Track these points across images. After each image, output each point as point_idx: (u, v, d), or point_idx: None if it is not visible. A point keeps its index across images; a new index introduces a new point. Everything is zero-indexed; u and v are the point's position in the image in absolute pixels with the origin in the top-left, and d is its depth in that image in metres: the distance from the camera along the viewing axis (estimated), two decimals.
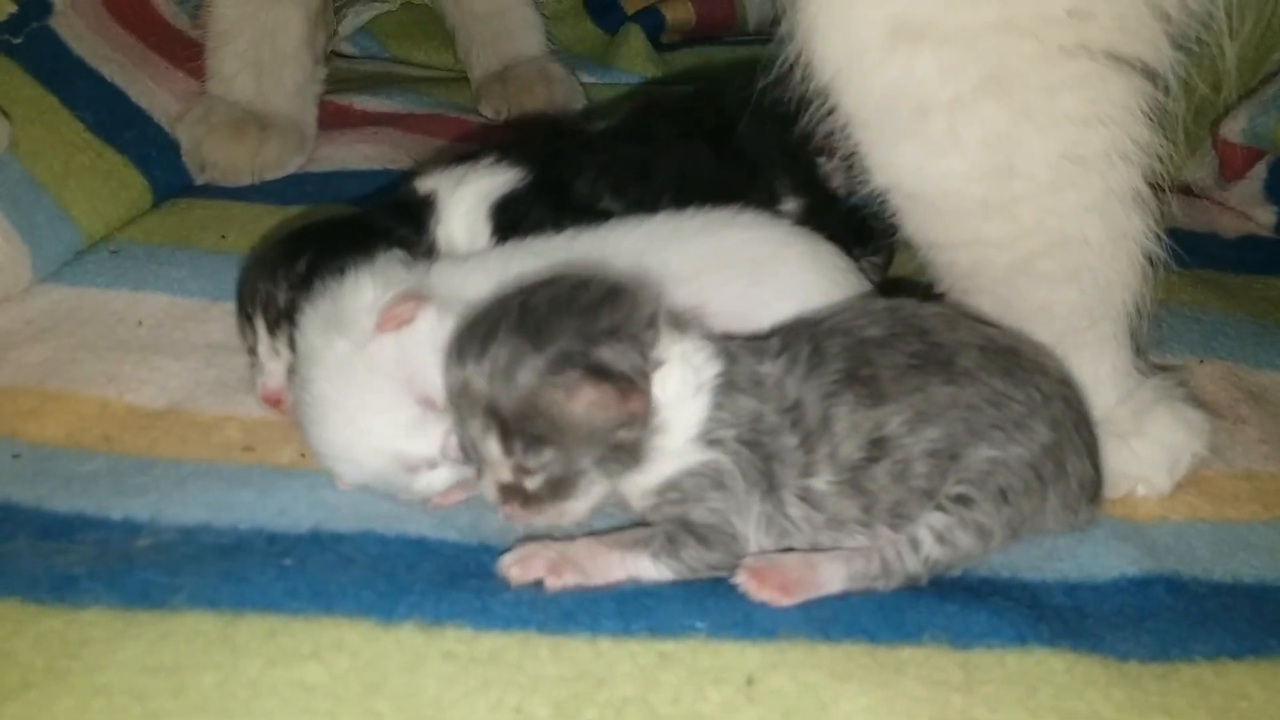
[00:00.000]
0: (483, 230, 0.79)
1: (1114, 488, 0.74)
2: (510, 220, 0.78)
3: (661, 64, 1.42)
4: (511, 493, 0.62)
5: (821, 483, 0.63)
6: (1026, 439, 0.63)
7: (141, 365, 0.80)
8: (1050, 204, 0.67)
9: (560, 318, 0.61)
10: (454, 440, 0.64)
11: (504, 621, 0.59)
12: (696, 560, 0.63)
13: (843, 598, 0.62)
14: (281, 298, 0.74)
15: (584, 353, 0.60)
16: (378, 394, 0.65)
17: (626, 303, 0.62)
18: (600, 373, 0.60)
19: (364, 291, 0.68)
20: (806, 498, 0.63)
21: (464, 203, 0.79)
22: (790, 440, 0.63)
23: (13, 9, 0.81)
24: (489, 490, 0.63)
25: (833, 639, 0.59)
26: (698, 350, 0.64)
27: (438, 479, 0.66)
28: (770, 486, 0.63)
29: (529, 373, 0.59)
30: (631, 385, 0.60)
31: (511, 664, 0.56)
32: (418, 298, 0.67)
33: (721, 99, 0.90)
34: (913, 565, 0.63)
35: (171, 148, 1.00)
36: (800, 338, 0.65)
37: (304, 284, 0.72)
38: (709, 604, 0.61)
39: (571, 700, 0.55)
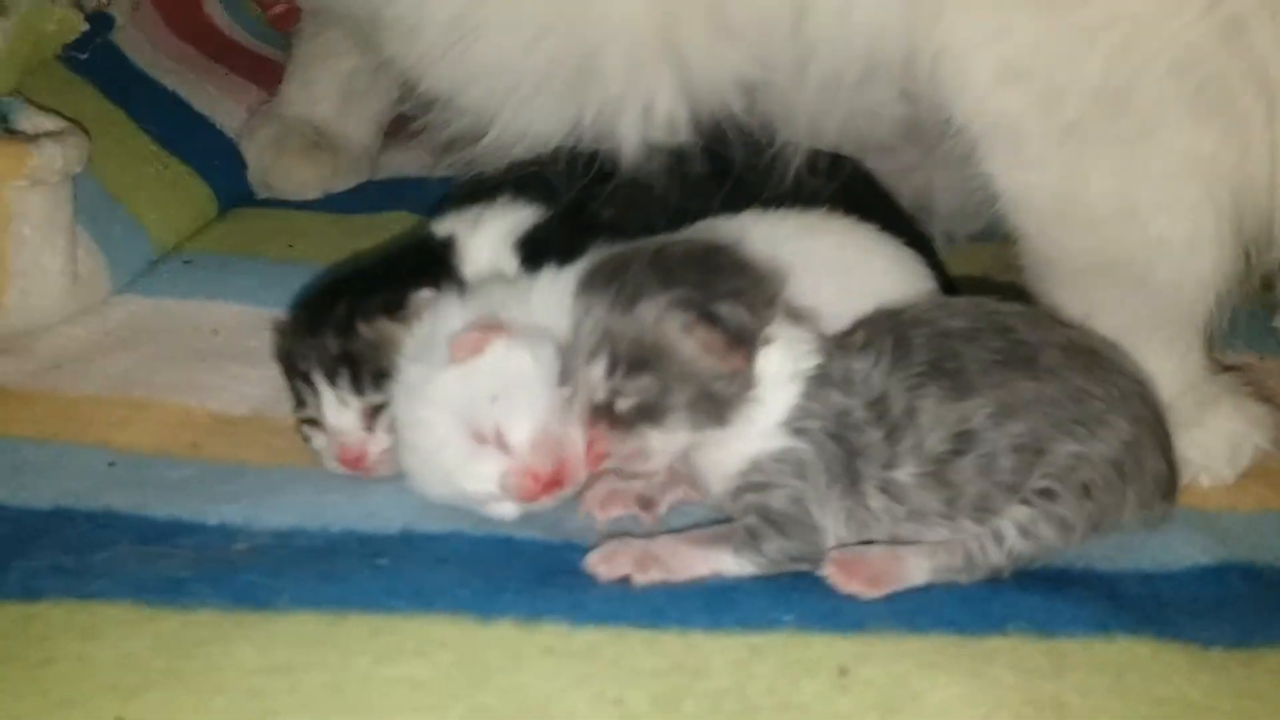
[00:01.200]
0: (510, 264, 0.79)
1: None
2: (537, 253, 0.78)
3: None
4: (601, 413, 0.64)
5: (904, 475, 0.64)
6: (1109, 435, 0.64)
7: (220, 373, 0.82)
8: (1118, 233, 0.73)
9: (690, 269, 0.64)
10: (512, 483, 0.65)
11: (598, 617, 0.60)
12: (778, 552, 0.64)
13: (926, 590, 0.64)
14: (332, 345, 0.72)
15: (705, 301, 0.63)
16: (434, 427, 0.66)
17: (753, 276, 0.65)
18: (715, 321, 0.63)
19: (452, 318, 0.69)
20: (888, 490, 0.64)
21: (488, 241, 0.79)
22: (875, 434, 0.64)
23: (84, 27, 0.82)
24: (581, 413, 0.65)
25: (920, 630, 0.60)
26: (803, 340, 0.66)
27: (507, 511, 0.67)
28: (852, 481, 0.64)
29: (650, 305, 0.63)
30: (739, 341, 0.63)
31: (608, 658, 0.58)
32: (492, 328, 0.67)
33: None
34: (996, 558, 0.64)
35: (233, 156, 1.02)
36: (882, 329, 0.66)
37: (349, 328, 0.72)
38: (794, 598, 0.62)
39: (669, 693, 0.56)
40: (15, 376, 0.79)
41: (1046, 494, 0.64)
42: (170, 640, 0.57)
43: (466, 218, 0.80)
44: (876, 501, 0.65)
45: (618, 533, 0.68)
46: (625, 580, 0.64)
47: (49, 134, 0.74)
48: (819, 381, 0.65)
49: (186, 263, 0.93)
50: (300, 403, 0.74)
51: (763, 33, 0.78)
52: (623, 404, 0.63)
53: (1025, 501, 0.64)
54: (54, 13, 0.75)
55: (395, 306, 0.72)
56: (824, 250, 0.72)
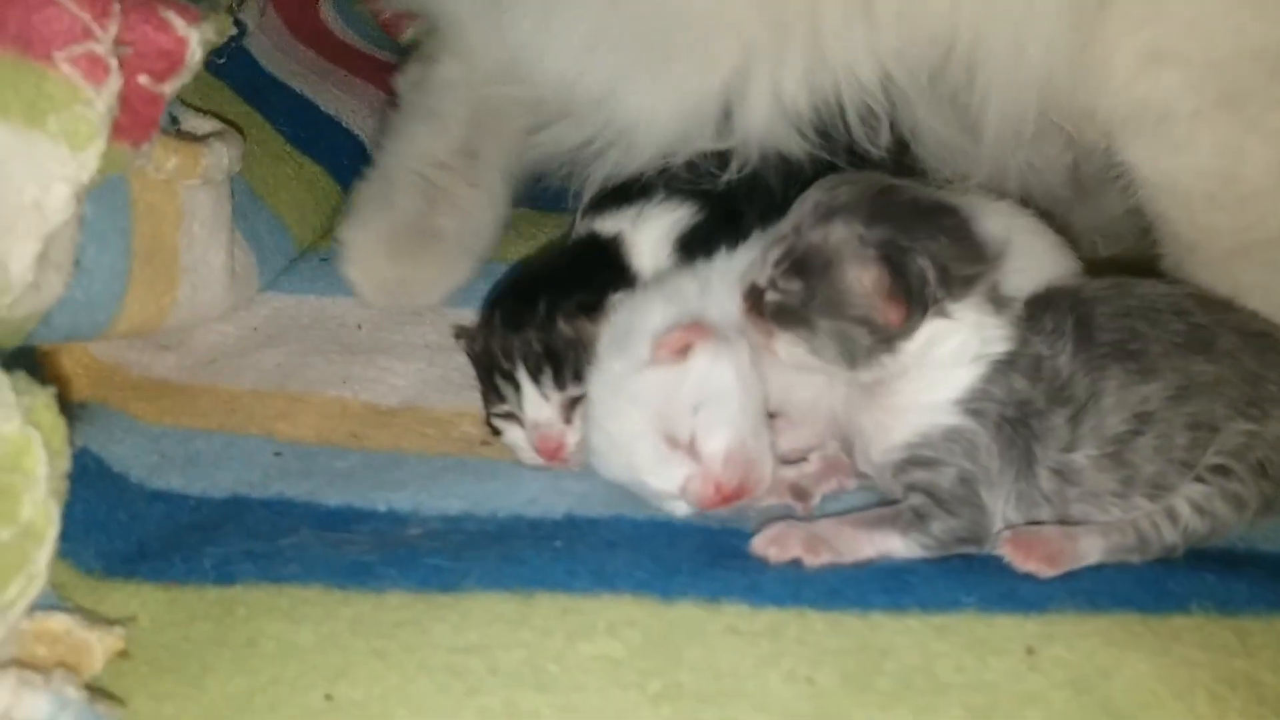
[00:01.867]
0: (668, 262, 0.81)
1: None
2: (695, 251, 0.79)
3: None
4: (753, 296, 0.67)
5: (1082, 456, 0.64)
6: (1261, 393, 0.64)
7: (370, 366, 0.84)
8: (1274, 205, 0.73)
9: (905, 215, 0.64)
10: (693, 487, 0.66)
11: (776, 598, 0.61)
12: (945, 533, 0.64)
13: (1099, 570, 0.64)
14: (536, 342, 0.74)
15: (897, 246, 0.63)
16: (631, 422, 0.67)
17: (964, 248, 0.65)
18: (894, 268, 0.63)
19: (653, 314, 0.70)
20: (1062, 472, 0.64)
21: (650, 238, 0.81)
22: (1058, 419, 0.64)
23: (234, 31, 0.85)
24: (741, 287, 0.68)
25: (1102, 610, 0.60)
26: (993, 326, 0.65)
27: (680, 509, 0.68)
28: (1027, 463, 0.64)
29: (844, 226, 0.64)
30: (907, 298, 0.63)
31: (793, 638, 0.59)
32: (695, 330, 0.68)
33: None
34: (1170, 536, 0.64)
35: (361, 154, 1.03)
36: (1064, 310, 0.66)
37: (551, 325, 0.74)
38: (972, 579, 0.62)
39: (859, 671, 0.57)
40: (177, 371, 0.81)
41: (1221, 471, 0.64)
42: (367, 622, 0.59)
43: (627, 215, 0.81)
44: (1049, 484, 0.65)
45: (775, 518, 0.68)
46: (794, 563, 0.64)
47: (213, 134, 0.77)
48: (1005, 366, 0.65)
49: (324, 260, 0.95)
50: (498, 398, 0.76)
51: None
52: (771, 296, 0.65)
53: (1200, 479, 0.64)
54: (216, 17, 0.77)
55: (591, 307, 0.75)
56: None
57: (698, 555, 0.65)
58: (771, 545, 0.65)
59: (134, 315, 0.72)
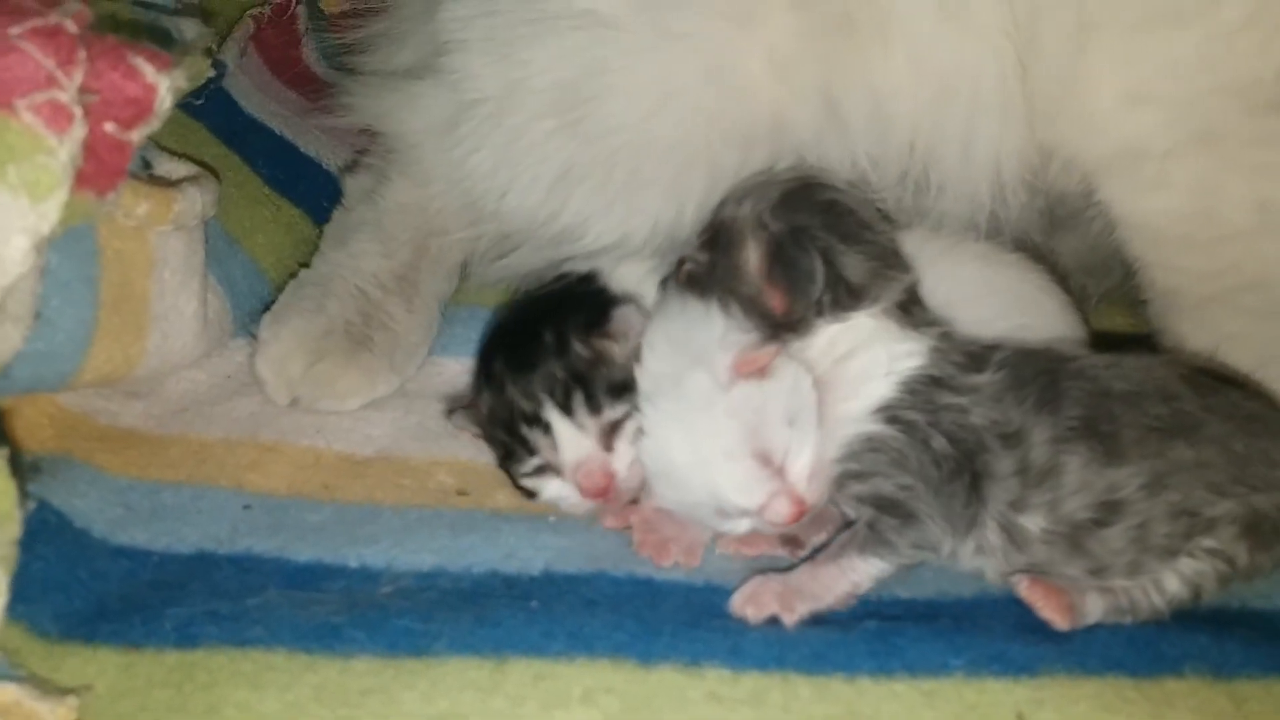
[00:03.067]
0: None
1: None
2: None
3: None
4: (677, 264, 0.71)
5: (1032, 524, 0.62)
6: (1272, 491, 0.62)
7: (344, 415, 0.82)
8: (1251, 248, 0.72)
9: (814, 211, 0.68)
10: (777, 505, 0.64)
11: (759, 662, 0.59)
12: (900, 538, 0.63)
13: (1089, 631, 0.62)
14: (558, 370, 0.70)
15: (792, 236, 0.66)
16: (726, 438, 0.64)
17: (870, 257, 0.66)
18: (783, 255, 0.66)
19: (713, 321, 0.67)
20: (1009, 530, 0.63)
21: (632, 274, 0.79)
22: (1005, 464, 0.63)
23: (211, 73, 0.83)
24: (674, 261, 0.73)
25: (1093, 673, 0.59)
26: (904, 341, 0.66)
27: (740, 526, 0.66)
28: (979, 500, 0.63)
29: (750, 208, 0.68)
30: (787, 287, 0.65)
31: (777, 704, 0.57)
32: (774, 346, 0.66)
33: None
34: (1159, 602, 0.63)
35: (340, 196, 1.02)
36: (1033, 365, 0.65)
37: (566, 350, 0.71)
38: (960, 641, 0.60)
39: None
40: (145, 420, 0.79)
41: (1212, 551, 0.62)
42: (333, 689, 0.57)
43: (605, 262, 0.80)
44: (995, 538, 0.63)
45: (758, 569, 0.66)
46: (778, 621, 0.63)
47: (187, 179, 0.75)
48: (925, 382, 0.64)
49: None
50: (526, 451, 0.72)
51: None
52: (687, 265, 0.70)
53: (1191, 555, 0.62)
54: (192, 59, 0.75)
55: (597, 324, 0.72)
56: (1001, 282, 0.72)
57: (680, 614, 0.63)
58: (748, 605, 0.63)
59: (101, 365, 0.71)
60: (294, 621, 0.61)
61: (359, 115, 0.98)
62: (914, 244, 0.71)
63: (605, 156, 0.79)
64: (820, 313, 0.66)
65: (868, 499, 0.64)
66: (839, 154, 0.77)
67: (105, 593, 0.64)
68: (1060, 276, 0.86)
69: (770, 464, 0.64)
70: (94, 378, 0.71)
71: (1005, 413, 0.63)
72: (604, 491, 0.70)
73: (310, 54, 1.20)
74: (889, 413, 0.64)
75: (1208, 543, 0.62)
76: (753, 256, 0.66)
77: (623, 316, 0.72)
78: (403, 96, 0.92)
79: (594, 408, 0.70)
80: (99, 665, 0.58)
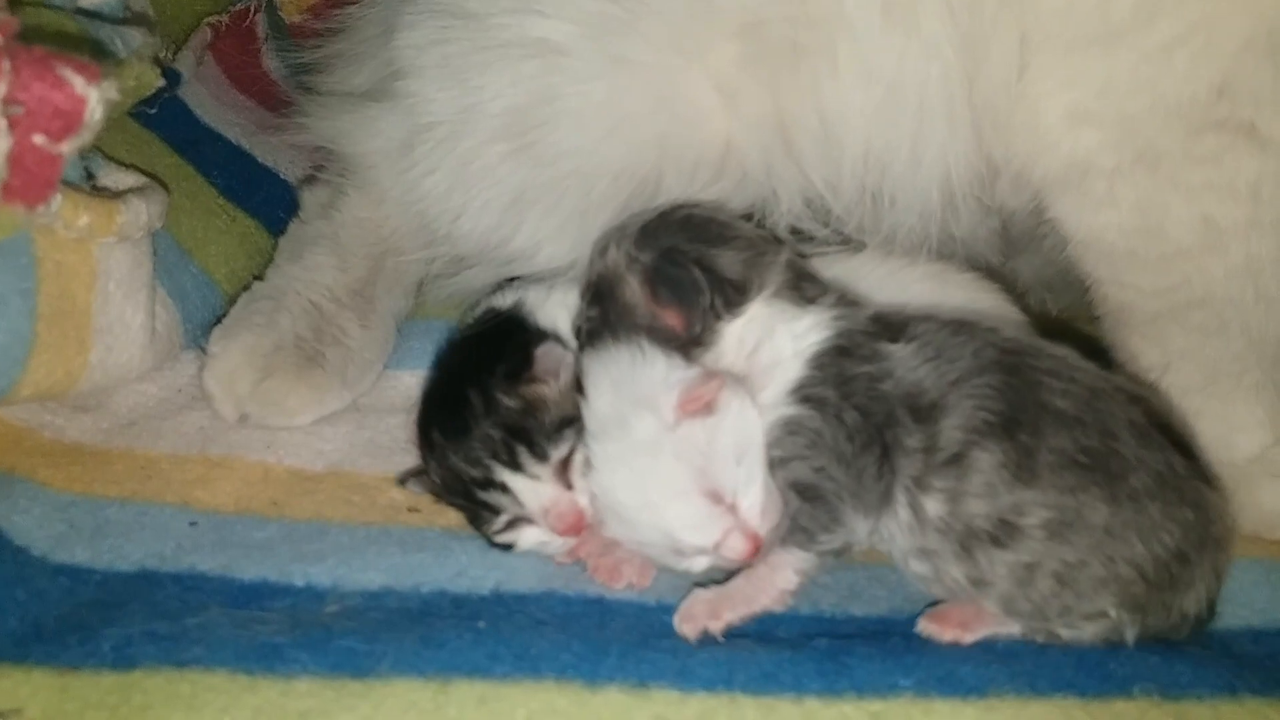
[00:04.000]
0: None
1: (1275, 529, 0.75)
2: None
3: None
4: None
5: (932, 509, 0.62)
6: (1154, 554, 0.60)
7: (296, 430, 0.81)
8: (1197, 265, 0.72)
9: (675, 231, 0.71)
10: (732, 542, 0.64)
11: (706, 683, 0.58)
12: (813, 523, 0.64)
13: (1041, 652, 0.62)
14: (494, 431, 0.69)
15: (665, 259, 0.69)
16: (675, 481, 0.64)
17: (739, 252, 0.69)
18: (663, 278, 0.68)
19: (654, 363, 0.67)
20: (914, 507, 0.63)
21: (556, 300, 0.78)
22: (912, 438, 0.62)
23: (161, 83, 0.82)
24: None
25: (1043, 694, 0.58)
26: (798, 319, 0.67)
27: (699, 564, 0.65)
28: (890, 467, 0.63)
29: (616, 252, 0.71)
30: (678, 304, 0.68)
31: None
32: (718, 377, 0.66)
33: None
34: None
35: (296, 206, 1.01)
36: (971, 343, 0.64)
37: (494, 408, 0.70)
38: (910, 661, 0.60)
39: None
40: (92, 434, 0.77)
41: (1092, 619, 0.61)
42: (273, 711, 0.56)
43: (534, 289, 0.79)
44: (904, 514, 0.63)
45: (703, 583, 0.66)
46: (729, 641, 0.62)
47: (132, 190, 0.74)
48: (833, 354, 0.65)
49: None
50: (491, 512, 0.70)
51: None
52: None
53: (1069, 626, 0.62)
54: (134, 69, 0.74)
55: (520, 371, 0.71)
56: (953, 300, 0.71)
57: (629, 634, 0.63)
58: (684, 623, 0.63)
59: (40, 379, 0.69)
60: (235, 641, 0.60)
61: (315, 135, 0.98)
62: (864, 266, 0.71)
63: (557, 181, 0.80)
64: (718, 316, 0.68)
65: (790, 486, 0.64)
66: (789, 180, 0.78)
67: (42, 612, 0.63)
68: (1018, 295, 0.87)
69: (721, 501, 0.64)
70: (33, 392, 0.70)
71: (921, 384, 0.63)
72: (578, 526, 0.69)
73: (270, 63, 1.19)
74: (801, 392, 0.65)
75: (1088, 609, 0.61)
76: (636, 290, 0.69)
77: (546, 356, 0.71)
78: (359, 118, 0.92)
79: (540, 455, 0.69)
80: (32, 687, 0.57)
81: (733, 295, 0.68)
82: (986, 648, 0.62)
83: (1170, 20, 0.67)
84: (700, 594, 0.64)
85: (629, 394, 0.66)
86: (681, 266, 0.68)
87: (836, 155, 0.76)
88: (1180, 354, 0.75)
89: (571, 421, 0.69)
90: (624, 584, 0.67)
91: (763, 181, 0.78)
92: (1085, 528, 0.60)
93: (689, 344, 0.68)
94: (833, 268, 0.74)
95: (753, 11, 0.75)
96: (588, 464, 0.67)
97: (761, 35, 0.76)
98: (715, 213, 0.72)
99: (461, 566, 0.69)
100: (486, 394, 0.70)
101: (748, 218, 0.76)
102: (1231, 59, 0.67)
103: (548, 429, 0.69)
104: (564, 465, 0.69)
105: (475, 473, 0.70)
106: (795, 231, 0.81)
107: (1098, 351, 0.79)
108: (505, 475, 0.69)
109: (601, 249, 0.72)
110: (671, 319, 0.68)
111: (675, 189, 0.78)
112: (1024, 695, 0.58)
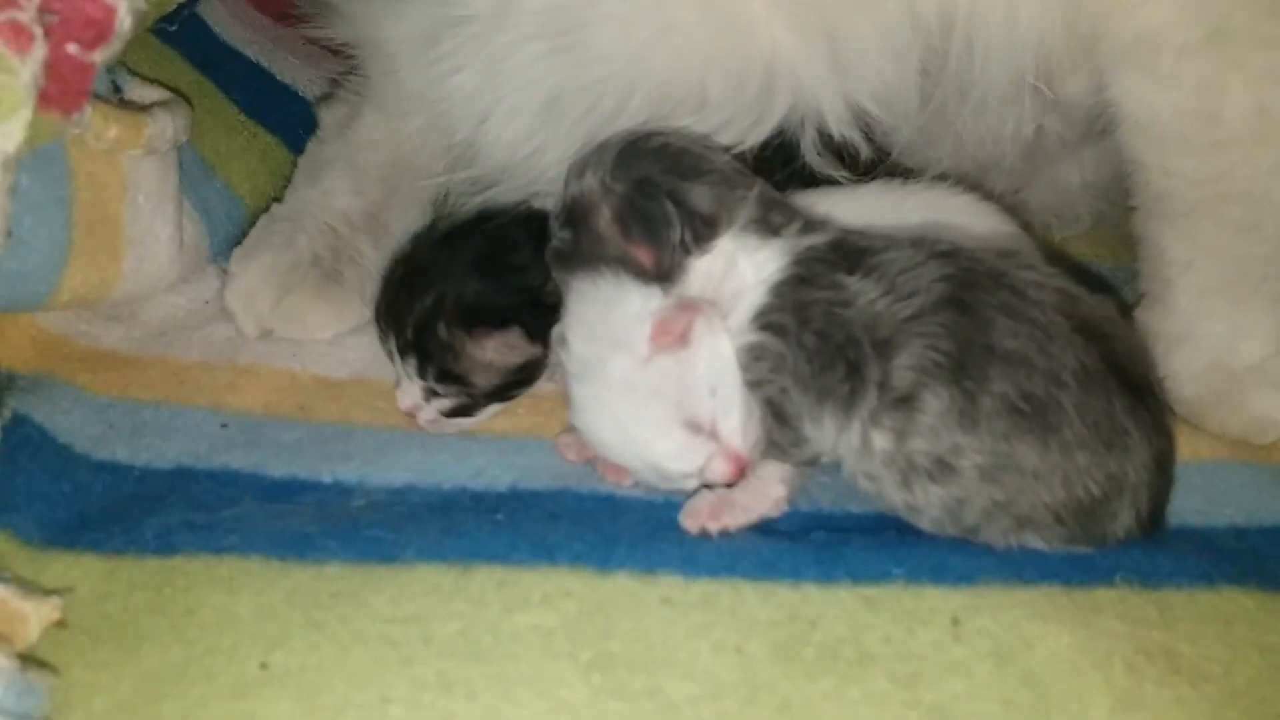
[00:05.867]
0: None
1: (1264, 434, 0.78)
2: None
3: None
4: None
5: (879, 443, 0.64)
6: (1076, 497, 0.62)
7: (320, 341, 0.84)
8: (1244, 156, 0.72)
9: (648, 162, 0.70)
10: (716, 466, 0.66)
11: (710, 570, 0.62)
12: (782, 438, 0.67)
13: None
14: (408, 332, 0.76)
15: (637, 192, 0.69)
16: (653, 416, 0.66)
17: (711, 185, 0.69)
18: (634, 212, 0.69)
19: (629, 298, 0.68)
20: (864, 437, 0.64)
21: None
22: (872, 370, 0.63)
23: None
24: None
25: (1028, 582, 0.61)
26: (760, 250, 0.68)
27: (689, 484, 0.68)
28: (859, 376, 0.64)
29: (591, 179, 0.71)
30: (648, 239, 0.69)
31: (725, 608, 0.60)
32: (688, 309, 0.67)
33: None
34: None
35: (315, 123, 1.02)
36: (922, 269, 0.64)
37: (428, 325, 0.76)
38: (903, 552, 0.63)
39: (788, 641, 0.58)
40: (126, 343, 0.81)
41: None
42: (305, 593, 0.59)
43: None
44: (854, 440, 0.65)
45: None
46: (732, 534, 0.65)
47: (158, 104, 0.76)
48: (793, 282, 0.67)
49: None
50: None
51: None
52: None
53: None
54: None
55: (478, 324, 0.75)
56: (952, 225, 0.73)
57: (638, 528, 0.66)
58: (688, 519, 0.66)
59: (77, 286, 0.72)
60: (268, 531, 0.64)
61: (339, 24, 0.96)
62: (867, 196, 0.72)
63: (594, 85, 0.78)
64: (687, 251, 0.68)
65: (763, 405, 0.67)
66: (835, 95, 0.76)
67: (87, 505, 0.67)
68: (1024, 223, 0.88)
69: (701, 430, 0.66)
70: (71, 298, 0.73)
71: (879, 318, 0.64)
72: (408, 414, 0.77)
73: None
74: (763, 319, 0.67)
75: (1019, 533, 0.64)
76: (609, 221, 0.69)
77: (501, 340, 0.76)
78: (386, 5, 0.90)
79: (421, 374, 0.76)
80: (82, 570, 0.61)
81: (703, 230, 0.68)
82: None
83: None
84: (705, 494, 0.67)
85: (604, 335, 0.68)
86: (654, 199, 0.69)
87: (901, 60, 0.74)
88: (1208, 250, 0.76)
89: (477, 394, 0.77)
90: (630, 482, 0.71)
91: (811, 94, 0.76)
92: (1015, 470, 0.62)
93: (659, 277, 0.69)
94: (833, 199, 0.74)
95: None
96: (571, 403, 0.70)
97: None
98: (691, 143, 0.72)
99: (480, 466, 0.73)
100: (437, 310, 0.75)
101: (725, 150, 0.75)
102: None
103: (442, 372, 0.76)
104: (431, 393, 0.77)
105: (383, 325, 0.79)
106: (836, 151, 0.79)
107: (1095, 283, 0.81)
108: (394, 355, 0.78)
109: (578, 171, 0.72)
110: (642, 254, 0.69)
111: (719, 101, 0.76)
112: (1010, 584, 0.61)
